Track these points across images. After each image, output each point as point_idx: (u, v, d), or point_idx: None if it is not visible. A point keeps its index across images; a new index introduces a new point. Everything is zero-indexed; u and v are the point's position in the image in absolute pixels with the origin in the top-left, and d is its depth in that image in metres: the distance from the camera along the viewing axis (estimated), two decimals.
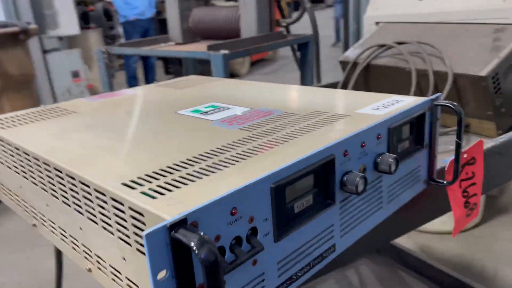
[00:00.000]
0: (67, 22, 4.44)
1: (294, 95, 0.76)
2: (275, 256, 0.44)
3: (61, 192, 0.52)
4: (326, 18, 9.46)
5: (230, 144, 0.52)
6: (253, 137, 0.54)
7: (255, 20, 1.58)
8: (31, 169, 0.58)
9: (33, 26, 2.90)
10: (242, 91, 0.84)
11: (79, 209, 0.49)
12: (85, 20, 5.65)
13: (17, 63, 2.82)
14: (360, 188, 0.50)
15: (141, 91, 0.89)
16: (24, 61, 2.89)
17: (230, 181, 0.41)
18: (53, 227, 0.59)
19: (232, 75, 5.52)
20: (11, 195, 0.71)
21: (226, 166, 0.45)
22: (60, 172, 0.50)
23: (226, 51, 1.35)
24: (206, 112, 0.68)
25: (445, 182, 0.69)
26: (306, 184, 0.48)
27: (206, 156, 0.48)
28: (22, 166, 0.61)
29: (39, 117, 0.74)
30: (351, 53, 1.37)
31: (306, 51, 1.75)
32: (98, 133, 0.61)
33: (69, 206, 0.51)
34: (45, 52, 4.24)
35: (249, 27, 1.61)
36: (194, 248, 0.32)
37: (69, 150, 0.55)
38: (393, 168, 0.55)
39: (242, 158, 0.47)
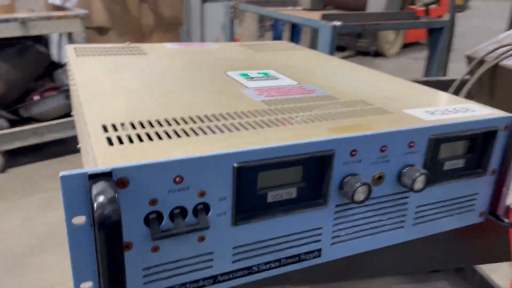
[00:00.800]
0: None
1: (363, 80, 0.68)
2: (231, 240, 0.41)
3: (80, 124, 0.55)
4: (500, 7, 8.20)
5: (236, 113, 0.48)
6: (265, 111, 0.49)
7: None
8: (74, 95, 0.62)
9: None
10: (312, 65, 0.77)
11: (85, 142, 0.52)
12: None
13: (170, 5, 3.06)
14: (358, 196, 0.43)
15: (220, 47, 0.89)
16: (177, 5, 3.13)
17: (190, 148, 0.39)
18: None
19: (377, 54, 5.22)
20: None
21: (205, 133, 0.42)
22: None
23: (338, 23, 1.26)
24: (252, 78, 0.64)
25: (507, 221, 0.56)
26: (291, 175, 0.42)
27: (201, 119, 0.46)
28: (72, 91, 0.66)
29: (115, 52, 0.79)
30: (483, 49, 1.16)
31: (438, 38, 1.53)
32: (138, 75, 0.63)
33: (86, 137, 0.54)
34: (204, 1, 4.52)
35: (376, 1, 1.48)
36: (94, 203, 0.31)
37: (98, 85, 0.57)
38: (418, 185, 0.46)
39: (229, 130, 0.43)
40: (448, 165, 0.51)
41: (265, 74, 0.67)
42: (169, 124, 0.44)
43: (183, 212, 0.38)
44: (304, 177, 0.43)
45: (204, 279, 0.41)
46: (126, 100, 0.52)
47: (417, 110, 0.52)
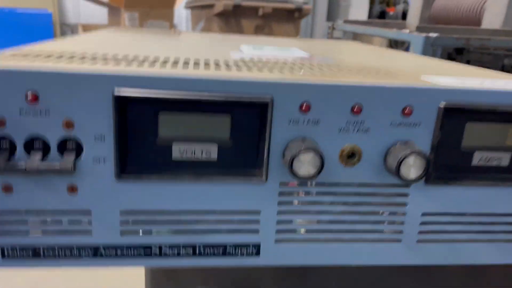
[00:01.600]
0: (356, 15, 4.55)
1: (396, 59, 0.53)
2: (116, 200, 0.31)
3: None
4: None
5: (186, 59, 0.38)
6: (226, 62, 0.38)
7: (503, 10, 1.19)
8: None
9: (307, 6, 3.09)
10: (348, 50, 0.64)
11: None
12: (382, 18, 5.66)
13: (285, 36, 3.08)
14: (299, 166, 0.29)
15: (278, 40, 0.80)
16: (292, 36, 3.14)
17: (62, 65, 0.30)
18: None
19: None
20: None
21: (117, 61, 0.33)
22: None
23: (434, 35, 1.07)
24: (260, 48, 0.54)
25: None
26: (211, 126, 0.31)
27: (134, 58, 0.37)
28: None
29: (154, 33, 0.76)
30: None
31: None
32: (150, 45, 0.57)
33: None
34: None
35: (493, 17, 1.24)
36: None
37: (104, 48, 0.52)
38: (408, 171, 0.30)
39: (152, 65, 0.34)
40: (479, 158, 0.33)
41: (280, 48, 0.56)
42: (94, 58, 0.36)
43: (45, 146, 0.29)
44: (233, 134, 0.31)
45: (80, 247, 0.31)
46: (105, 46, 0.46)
47: (441, 78, 0.36)
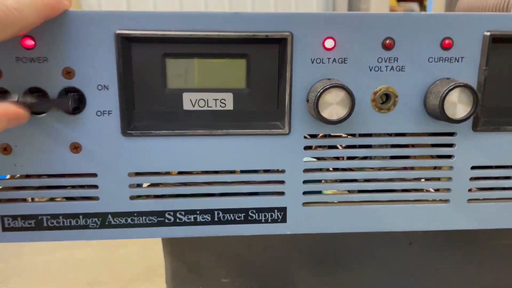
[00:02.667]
0: None
1: None
2: (123, 160, 0.28)
3: None
4: None
5: None
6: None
7: None
8: None
9: None
10: None
11: None
12: None
13: None
14: (325, 108, 0.25)
15: None
16: None
17: None
18: None
19: None
20: None
21: None
22: None
23: None
24: None
25: None
26: (225, 71, 0.28)
27: None
28: None
29: None
30: None
31: None
32: None
33: None
34: None
35: None
36: None
37: None
38: (456, 112, 0.26)
39: None
40: None
41: None
42: None
43: (44, 97, 0.26)
44: (250, 77, 0.28)
45: (87, 215, 0.28)
46: None
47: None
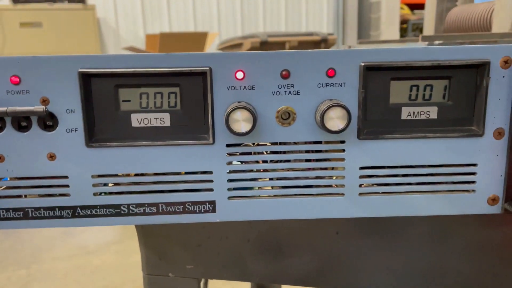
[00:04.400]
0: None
1: None
2: (87, 165, 0.36)
3: None
4: None
5: None
6: None
7: (510, 13, 1.20)
8: None
9: (332, 36, 3.17)
10: None
11: None
12: None
13: None
14: (233, 121, 0.34)
15: None
16: None
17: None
18: None
19: None
20: None
21: None
22: None
23: (437, 42, 1.10)
24: None
25: None
26: (163, 96, 0.36)
27: None
28: None
29: None
30: None
31: None
32: None
33: None
34: None
35: (501, 21, 1.24)
36: None
37: None
38: (334, 125, 0.34)
39: None
40: (408, 113, 0.37)
41: None
42: None
43: (28, 121, 0.36)
44: (183, 101, 0.36)
45: (61, 208, 0.37)
46: None
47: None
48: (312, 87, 0.36)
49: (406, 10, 4.67)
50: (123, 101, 0.36)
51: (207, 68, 0.35)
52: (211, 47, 3.18)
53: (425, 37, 1.30)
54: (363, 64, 0.35)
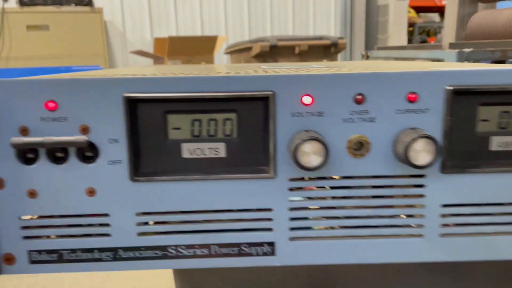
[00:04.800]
0: None
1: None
2: (132, 202, 0.32)
3: None
4: None
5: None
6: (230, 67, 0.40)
7: None
8: None
9: (342, 40, 3.13)
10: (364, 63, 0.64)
11: None
12: None
13: None
14: (301, 155, 0.29)
15: None
16: None
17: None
18: None
19: None
20: None
21: None
22: None
23: (467, 49, 1.05)
24: (281, 65, 0.55)
25: None
26: (216, 123, 0.32)
27: None
28: None
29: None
30: None
31: None
32: None
33: None
34: None
35: None
36: None
37: None
38: (419, 156, 0.29)
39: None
40: (497, 143, 0.32)
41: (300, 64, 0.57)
42: None
43: (64, 152, 0.31)
44: (240, 131, 0.32)
45: (101, 250, 0.33)
46: None
47: (445, 67, 0.35)
48: (390, 114, 0.31)
49: (412, 13, 4.62)
50: (173, 129, 0.32)
51: (270, 93, 0.30)
52: (219, 51, 3.14)
53: (453, 45, 1.25)
54: (450, 88, 0.30)
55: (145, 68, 0.52)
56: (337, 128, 0.31)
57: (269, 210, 0.33)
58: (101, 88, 0.30)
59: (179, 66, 0.60)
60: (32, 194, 0.32)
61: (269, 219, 0.33)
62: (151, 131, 0.31)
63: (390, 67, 0.34)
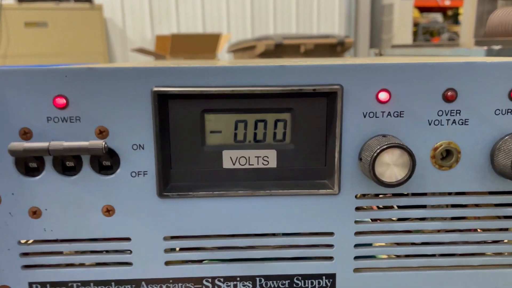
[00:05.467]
0: None
1: None
2: (160, 223, 0.25)
3: None
4: None
5: None
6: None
7: None
8: None
9: (349, 39, 3.06)
10: None
11: None
12: None
13: None
14: (382, 171, 0.23)
15: None
16: None
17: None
18: None
19: None
20: None
21: None
22: None
23: (496, 47, 0.99)
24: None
25: None
26: (266, 126, 0.25)
27: None
28: None
29: None
30: None
31: None
32: None
33: None
34: None
35: None
36: None
37: None
38: None
39: None
40: None
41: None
42: None
43: (76, 161, 0.25)
44: (294, 133, 0.25)
45: (120, 282, 0.26)
46: None
47: None
48: (488, 114, 0.25)
49: (416, 13, 4.56)
50: (212, 132, 0.25)
51: (338, 87, 0.24)
52: (222, 50, 3.07)
53: (480, 42, 1.19)
54: None
55: (166, 62, 0.45)
56: (420, 132, 0.25)
57: (330, 234, 0.26)
58: (124, 81, 0.24)
59: (199, 60, 0.54)
60: (35, 213, 0.25)
61: (330, 246, 0.26)
62: (185, 135, 0.25)
63: (484, 58, 0.28)
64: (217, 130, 0.25)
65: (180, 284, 0.26)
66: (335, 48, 2.99)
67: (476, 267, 0.27)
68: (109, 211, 0.25)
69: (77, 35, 3.02)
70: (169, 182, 0.25)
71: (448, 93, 0.24)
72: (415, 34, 4.68)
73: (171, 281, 0.26)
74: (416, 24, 4.72)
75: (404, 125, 0.25)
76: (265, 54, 2.86)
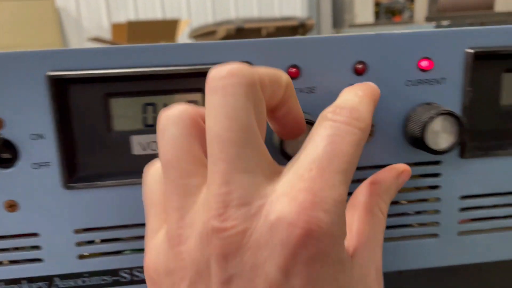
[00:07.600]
0: None
1: None
2: (67, 216, 0.24)
3: None
4: None
5: None
6: None
7: None
8: None
9: (310, 21, 3.06)
10: None
11: None
12: None
13: None
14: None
15: None
16: None
17: None
18: None
19: None
20: None
21: None
22: None
23: (445, 22, 1.01)
24: None
25: None
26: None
27: None
28: None
29: None
30: None
31: None
32: None
33: None
34: None
35: (506, 0, 1.17)
36: None
37: None
38: (440, 142, 0.23)
39: None
40: None
41: None
42: None
43: None
44: None
45: (31, 280, 0.25)
46: None
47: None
48: (398, 86, 0.24)
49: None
50: (119, 117, 0.24)
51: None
52: (182, 35, 3.01)
53: (430, 18, 1.21)
54: (472, 51, 0.24)
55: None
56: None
57: None
58: (16, 67, 0.22)
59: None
60: None
61: None
62: (89, 121, 0.24)
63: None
64: (124, 115, 0.24)
65: (96, 278, 0.25)
66: (296, 30, 2.98)
67: (399, 239, 0.27)
68: (11, 206, 0.24)
69: (28, 27, 2.89)
70: (75, 173, 0.24)
71: (358, 66, 0.24)
72: (377, 14, 4.72)
73: (86, 275, 0.25)
74: (378, 4, 4.76)
75: (315, 100, 0.24)
76: (226, 39, 2.81)
